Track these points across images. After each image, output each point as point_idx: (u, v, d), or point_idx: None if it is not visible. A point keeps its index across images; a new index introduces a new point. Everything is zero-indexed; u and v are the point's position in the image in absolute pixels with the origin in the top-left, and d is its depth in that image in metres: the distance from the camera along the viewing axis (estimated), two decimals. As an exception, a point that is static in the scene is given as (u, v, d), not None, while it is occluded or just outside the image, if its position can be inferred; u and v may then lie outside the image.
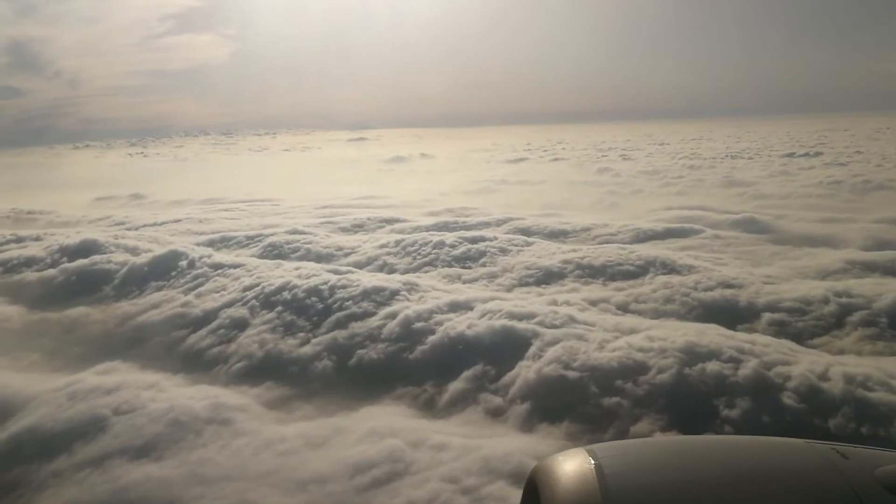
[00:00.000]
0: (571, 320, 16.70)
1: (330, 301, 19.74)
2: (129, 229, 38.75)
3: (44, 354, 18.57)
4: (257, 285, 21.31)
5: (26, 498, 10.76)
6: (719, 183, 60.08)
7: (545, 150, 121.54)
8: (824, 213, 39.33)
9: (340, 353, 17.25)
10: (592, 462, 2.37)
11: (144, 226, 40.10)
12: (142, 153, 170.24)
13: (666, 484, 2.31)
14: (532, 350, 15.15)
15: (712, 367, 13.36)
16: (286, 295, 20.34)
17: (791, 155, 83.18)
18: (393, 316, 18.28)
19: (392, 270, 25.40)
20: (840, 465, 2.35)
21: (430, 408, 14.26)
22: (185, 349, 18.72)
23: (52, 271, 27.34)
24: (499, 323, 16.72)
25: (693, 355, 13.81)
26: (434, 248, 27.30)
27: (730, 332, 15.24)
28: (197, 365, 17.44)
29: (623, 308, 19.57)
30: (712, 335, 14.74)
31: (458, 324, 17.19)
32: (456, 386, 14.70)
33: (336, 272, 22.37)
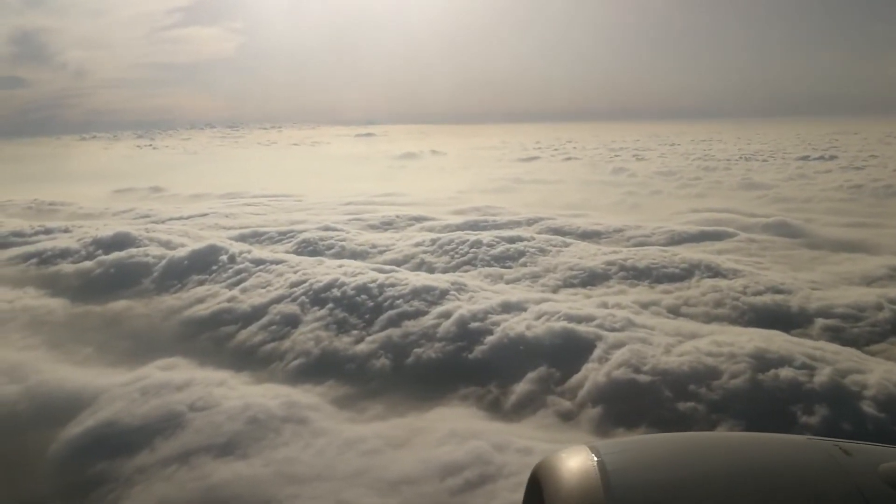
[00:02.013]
0: (631, 324, 16.69)
1: (380, 299, 19.73)
2: (155, 222, 38.77)
3: (96, 348, 18.52)
4: (304, 282, 21.30)
5: (117, 493, 10.76)
6: (737, 185, 60.04)
7: (556, 149, 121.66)
8: (850, 217, 39.24)
9: (396, 351, 17.24)
10: (595, 459, 2.38)
11: (171, 219, 40.09)
12: (150, 145, 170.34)
13: (668, 480, 2.31)
14: (597, 353, 15.13)
15: (786, 373, 13.33)
16: (335, 292, 20.32)
17: (805, 158, 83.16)
18: (447, 315, 18.25)
19: (431, 269, 25.37)
20: (843, 462, 2.34)
21: (496, 409, 14.23)
22: (237, 345, 18.72)
23: (88, 263, 27.35)
24: (558, 325, 16.69)
25: (764, 361, 13.79)
26: (471, 247, 27.27)
27: (796, 339, 15.25)
28: (251, 361, 17.41)
29: (674, 311, 19.55)
30: (779, 341, 14.72)
31: (515, 325, 17.17)
32: (522, 388, 14.66)
33: (380, 270, 22.38)
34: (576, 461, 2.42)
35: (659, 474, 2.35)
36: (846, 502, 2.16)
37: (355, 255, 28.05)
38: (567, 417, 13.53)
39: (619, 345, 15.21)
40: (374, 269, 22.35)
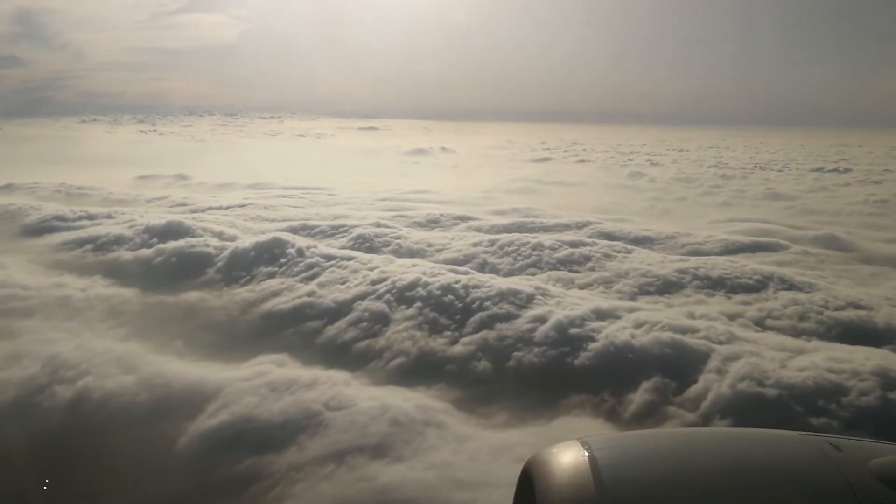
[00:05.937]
0: (734, 336, 16.73)
1: (468, 300, 19.69)
2: (194, 211, 38.54)
3: (185, 340, 18.39)
4: (386, 279, 21.22)
5: (278, 490, 10.69)
6: (761, 195, 60.23)
7: (565, 151, 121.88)
8: (887, 233, 39.40)
9: (494, 354, 17.23)
10: (586, 454, 2.39)
11: (209, 209, 39.81)
12: (154, 130, 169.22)
13: (659, 475, 2.32)
14: (712, 364, 15.14)
15: (916, 392, 13.41)
16: (420, 291, 20.26)
17: (820, 170, 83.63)
18: (541, 319, 18.23)
19: (495, 270, 25.33)
20: (834, 457, 2.36)
21: (617, 418, 14.23)
22: (327, 341, 18.63)
23: (146, 251, 27.21)
24: (665, 335, 16.69)
25: (890, 380, 13.85)
26: (533, 249, 27.22)
27: (912, 358, 15.31)
28: (348, 359, 17.31)
29: (759, 324, 19.55)
30: (897, 360, 14.81)
31: (617, 332, 17.16)
32: (639, 397, 14.68)
33: (455, 270, 22.36)
34: (567, 456, 2.40)
35: (650, 469, 2.35)
36: (836, 497, 2.17)
37: (413, 252, 27.98)
38: (694, 429, 13.53)
39: (733, 357, 15.23)
40: (450, 270, 22.32)
